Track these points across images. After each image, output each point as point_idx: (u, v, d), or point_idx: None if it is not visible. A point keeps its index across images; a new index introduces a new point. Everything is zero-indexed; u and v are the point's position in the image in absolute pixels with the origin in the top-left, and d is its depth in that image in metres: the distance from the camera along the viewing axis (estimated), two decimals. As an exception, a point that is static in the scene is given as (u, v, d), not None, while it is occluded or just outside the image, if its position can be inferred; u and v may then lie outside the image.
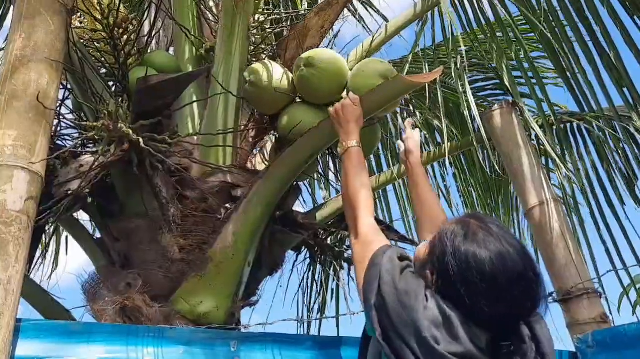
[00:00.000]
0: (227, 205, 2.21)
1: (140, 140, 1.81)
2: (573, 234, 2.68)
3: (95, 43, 2.48)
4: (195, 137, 2.25)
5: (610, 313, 2.64)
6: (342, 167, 1.72)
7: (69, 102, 2.49)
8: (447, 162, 3.47)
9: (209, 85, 2.38)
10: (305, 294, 3.14)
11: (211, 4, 2.92)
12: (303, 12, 3.07)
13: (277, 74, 2.19)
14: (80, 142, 2.08)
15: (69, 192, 1.89)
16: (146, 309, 1.83)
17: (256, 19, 2.55)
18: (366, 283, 1.31)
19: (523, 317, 1.25)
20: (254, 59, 2.55)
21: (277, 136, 2.31)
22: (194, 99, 2.41)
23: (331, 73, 2.01)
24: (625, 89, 2.74)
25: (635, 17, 2.66)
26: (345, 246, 2.90)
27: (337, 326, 3.20)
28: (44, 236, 3.87)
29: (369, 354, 1.38)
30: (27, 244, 1.44)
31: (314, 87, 2.03)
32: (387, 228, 2.89)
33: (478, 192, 3.75)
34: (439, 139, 3.97)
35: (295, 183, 2.33)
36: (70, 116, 2.50)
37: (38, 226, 2.04)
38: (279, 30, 2.80)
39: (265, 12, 2.63)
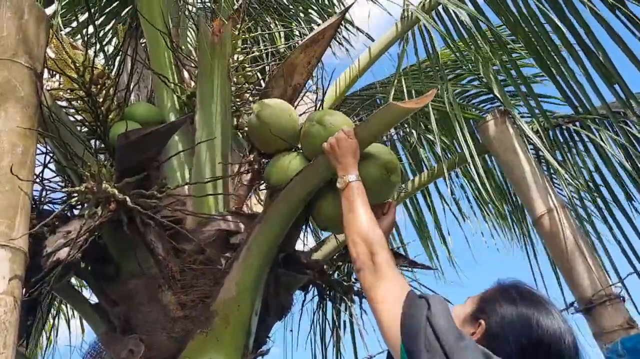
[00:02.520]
0: (227, 254, 2.11)
1: (127, 199, 1.72)
2: (586, 240, 2.59)
3: (73, 102, 2.42)
4: (186, 187, 2.17)
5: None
6: (344, 202, 1.64)
7: (52, 165, 2.42)
8: (449, 174, 3.37)
9: (194, 131, 2.31)
10: (318, 334, 3.01)
11: (189, 47, 2.87)
12: (283, 48, 3.03)
13: (285, 116, 2.09)
14: (66, 207, 1.99)
15: (59, 261, 1.80)
16: (151, 377, 1.71)
17: (235, 58, 2.49)
18: (408, 323, 1.22)
19: None
20: (238, 100, 2.49)
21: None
22: (180, 147, 2.33)
23: None
24: (616, 86, 2.69)
25: (617, 12, 2.62)
26: (353, 279, 2.79)
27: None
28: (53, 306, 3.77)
29: None
30: (15, 327, 1.34)
31: (317, 146, 1.93)
32: (395, 254, 2.79)
33: (491, 197, 3.64)
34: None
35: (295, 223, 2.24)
36: (56, 178, 2.43)
37: (32, 298, 1.95)
38: (261, 67, 2.74)
39: (244, 51, 2.57)
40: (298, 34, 3.38)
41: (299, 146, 2.09)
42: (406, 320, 1.22)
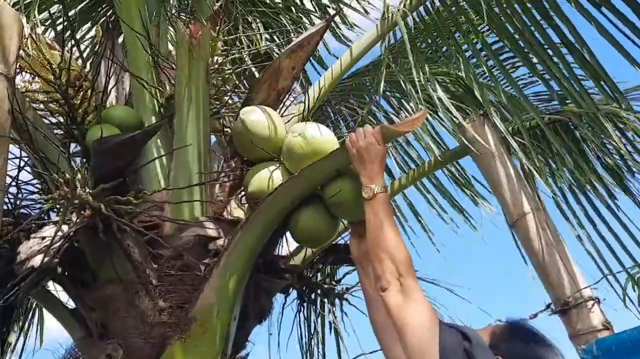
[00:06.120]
0: (206, 260, 2.10)
1: (102, 206, 1.70)
2: (562, 242, 2.61)
3: (50, 105, 2.38)
4: (165, 192, 2.15)
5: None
6: (369, 213, 1.58)
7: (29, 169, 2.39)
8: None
9: (173, 135, 2.28)
10: (302, 336, 3.02)
11: (170, 48, 2.84)
12: (264, 49, 3.02)
13: (271, 126, 2.08)
14: (42, 212, 1.97)
15: (33, 269, 1.78)
16: (128, 382, 1.71)
17: (215, 61, 2.47)
18: (446, 351, 1.27)
19: None
20: (217, 102, 2.47)
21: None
22: (159, 150, 2.32)
23: (317, 152, 1.91)
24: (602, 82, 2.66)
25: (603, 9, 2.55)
26: (333, 282, 2.80)
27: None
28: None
29: None
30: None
31: (298, 159, 1.93)
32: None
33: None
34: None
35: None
36: (33, 181, 2.40)
37: (6, 306, 1.93)
38: (241, 70, 2.73)
39: (224, 53, 2.54)
40: (281, 35, 3.35)
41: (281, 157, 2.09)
42: (445, 348, 1.26)
